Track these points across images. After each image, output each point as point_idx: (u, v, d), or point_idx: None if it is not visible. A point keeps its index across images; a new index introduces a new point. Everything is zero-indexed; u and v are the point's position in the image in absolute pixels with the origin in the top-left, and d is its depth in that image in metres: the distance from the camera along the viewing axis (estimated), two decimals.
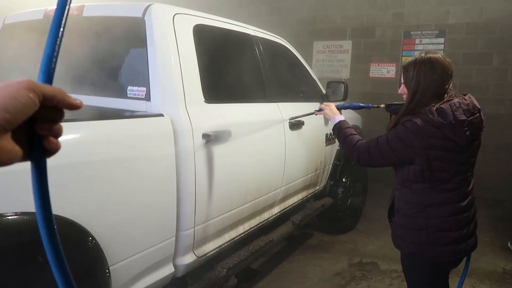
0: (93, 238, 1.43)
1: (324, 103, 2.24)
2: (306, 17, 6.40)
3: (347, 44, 6.13)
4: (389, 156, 1.67)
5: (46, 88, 0.45)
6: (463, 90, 5.96)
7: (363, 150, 1.76)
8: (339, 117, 2.00)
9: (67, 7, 0.51)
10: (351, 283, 3.01)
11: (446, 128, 1.52)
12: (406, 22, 5.66)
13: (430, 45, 5.51)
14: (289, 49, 3.21)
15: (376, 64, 5.88)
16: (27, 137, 0.46)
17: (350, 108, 2.35)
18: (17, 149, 0.44)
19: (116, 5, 2.09)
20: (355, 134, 1.87)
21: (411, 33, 5.64)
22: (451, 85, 1.64)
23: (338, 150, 3.63)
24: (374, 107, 2.19)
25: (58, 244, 0.49)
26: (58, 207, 1.32)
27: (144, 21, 1.91)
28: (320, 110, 2.25)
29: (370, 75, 5.87)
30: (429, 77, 1.59)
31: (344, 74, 6.17)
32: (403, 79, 1.71)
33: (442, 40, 5.44)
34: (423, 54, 1.64)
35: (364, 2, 5.91)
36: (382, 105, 2.06)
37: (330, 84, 3.43)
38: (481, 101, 5.90)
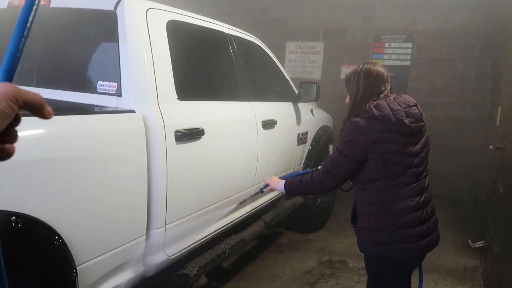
0: (60, 237, 1.38)
1: (266, 179, 2.34)
2: (279, 18, 6.44)
3: (319, 46, 6.22)
4: (346, 164, 1.75)
5: (28, 95, 0.46)
6: (428, 94, 6.12)
7: (323, 174, 1.84)
8: (282, 181, 2.14)
9: (34, 6, 0.49)
10: (321, 281, 3.06)
11: (386, 119, 1.66)
12: (376, 26, 5.80)
13: (398, 49, 5.68)
14: (263, 48, 3.22)
15: (347, 66, 6.00)
16: None
17: (292, 177, 2.41)
18: None
19: None
20: (303, 175, 2.00)
21: (381, 37, 5.78)
22: (388, 87, 1.81)
23: (309, 150, 3.68)
24: (313, 170, 2.42)
25: None
26: (23, 205, 1.27)
27: (115, 15, 1.86)
28: (266, 186, 2.31)
29: (341, 77, 5.98)
30: (366, 83, 1.78)
31: (316, 75, 6.26)
32: (347, 89, 1.89)
33: (410, 44, 5.62)
34: (361, 66, 1.84)
35: (336, 5, 6.01)
36: (320, 167, 2.28)
37: (302, 84, 3.47)
38: (445, 105, 6.10)
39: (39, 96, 0.47)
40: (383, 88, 1.79)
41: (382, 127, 1.67)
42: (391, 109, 1.68)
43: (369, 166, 1.71)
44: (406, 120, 1.66)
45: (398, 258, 1.74)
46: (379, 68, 1.81)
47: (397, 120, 1.65)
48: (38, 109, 0.47)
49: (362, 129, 1.69)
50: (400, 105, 1.70)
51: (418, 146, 1.73)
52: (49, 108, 0.49)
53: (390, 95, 1.80)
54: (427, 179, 1.80)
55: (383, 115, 1.67)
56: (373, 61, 5.78)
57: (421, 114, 1.76)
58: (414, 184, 1.71)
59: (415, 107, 1.76)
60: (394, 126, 1.66)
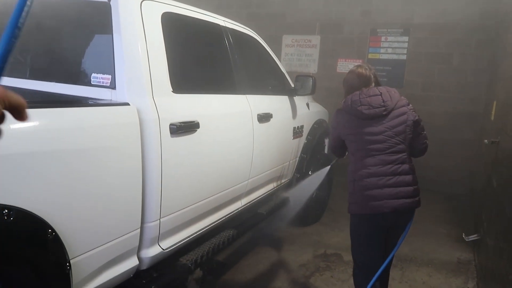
0: (53, 230, 1.37)
1: None
2: (276, 11, 6.40)
3: (316, 39, 6.19)
4: (333, 139, 2.39)
5: (13, 97, 0.48)
6: (424, 88, 6.10)
7: (328, 144, 2.48)
8: None
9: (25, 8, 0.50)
10: (316, 274, 3.07)
11: (348, 109, 2.19)
12: (373, 20, 5.78)
13: (395, 43, 5.67)
14: (259, 42, 3.20)
15: (344, 60, 5.98)
16: None
17: None
18: None
19: None
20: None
21: (378, 30, 5.77)
22: (370, 83, 2.24)
23: (305, 143, 3.68)
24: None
25: None
26: (16, 198, 1.26)
27: (110, 6, 1.84)
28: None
29: (338, 71, 5.97)
30: (350, 82, 2.29)
31: (312, 68, 6.24)
32: (343, 87, 2.35)
33: (406, 38, 5.61)
34: (350, 68, 2.35)
35: None
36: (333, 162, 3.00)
37: (298, 78, 3.46)
38: (442, 99, 6.09)
39: (23, 99, 0.50)
40: (363, 86, 2.24)
41: (346, 115, 2.22)
42: (352, 101, 2.17)
43: (346, 143, 2.27)
44: (359, 108, 2.13)
45: (366, 214, 2.12)
46: (360, 70, 2.28)
47: (353, 109, 2.15)
48: (19, 112, 0.50)
49: (336, 117, 2.30)
50: (359, 97, 2.16)
51: (380, 127, 2.12)
52: (27, 112, 0.52)
53: (369, 88, 2.21)
54: (398, 155, 2.11)
55: (345, 106, 2.21)
56: (370, 54, 5.81)
57: (383, 101, 2.12)
58: (375, 156, 2.11)
59: (378, 96, 2.14)
60: (353, 113, 2.16)
